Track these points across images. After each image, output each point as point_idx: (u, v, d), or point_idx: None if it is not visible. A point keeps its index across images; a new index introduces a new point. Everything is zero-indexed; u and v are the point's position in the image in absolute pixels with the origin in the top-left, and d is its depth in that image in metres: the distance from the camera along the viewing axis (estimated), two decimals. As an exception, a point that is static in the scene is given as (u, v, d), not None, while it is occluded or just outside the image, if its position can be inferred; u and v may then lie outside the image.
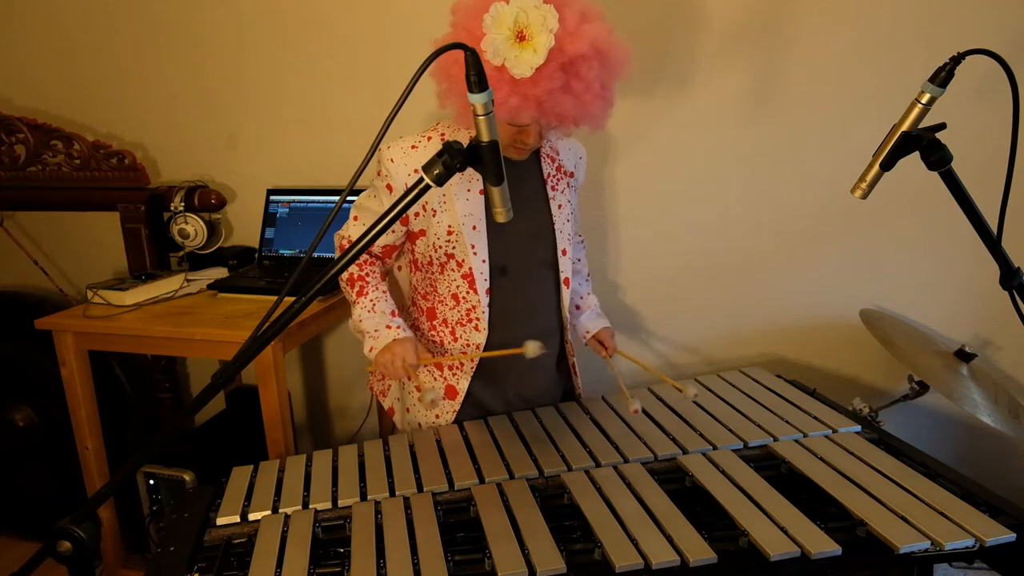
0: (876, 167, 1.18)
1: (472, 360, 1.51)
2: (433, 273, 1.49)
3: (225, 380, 0.96)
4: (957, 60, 1.09)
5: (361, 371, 2.35)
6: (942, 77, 1.10)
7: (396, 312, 1.50)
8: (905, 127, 1.14)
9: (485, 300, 1.45)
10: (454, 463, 1.40)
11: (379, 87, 2.09)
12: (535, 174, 1.50)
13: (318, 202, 2.14)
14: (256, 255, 2.19)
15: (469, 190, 1.42)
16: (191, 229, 2.13)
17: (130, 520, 2.05)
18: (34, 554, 0.94)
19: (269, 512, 1.29)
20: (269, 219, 2.17)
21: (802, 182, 1.92)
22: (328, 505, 1.30)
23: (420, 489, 1.33)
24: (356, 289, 1.49)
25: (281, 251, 2.15)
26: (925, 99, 1.12)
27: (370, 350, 1.45)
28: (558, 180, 1.51)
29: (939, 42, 1.75)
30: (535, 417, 1.58)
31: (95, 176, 2.19)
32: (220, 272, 2.11)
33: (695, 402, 1.64)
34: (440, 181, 0.98)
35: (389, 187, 1.41)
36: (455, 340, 1.51)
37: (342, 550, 1.21)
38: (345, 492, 1.33)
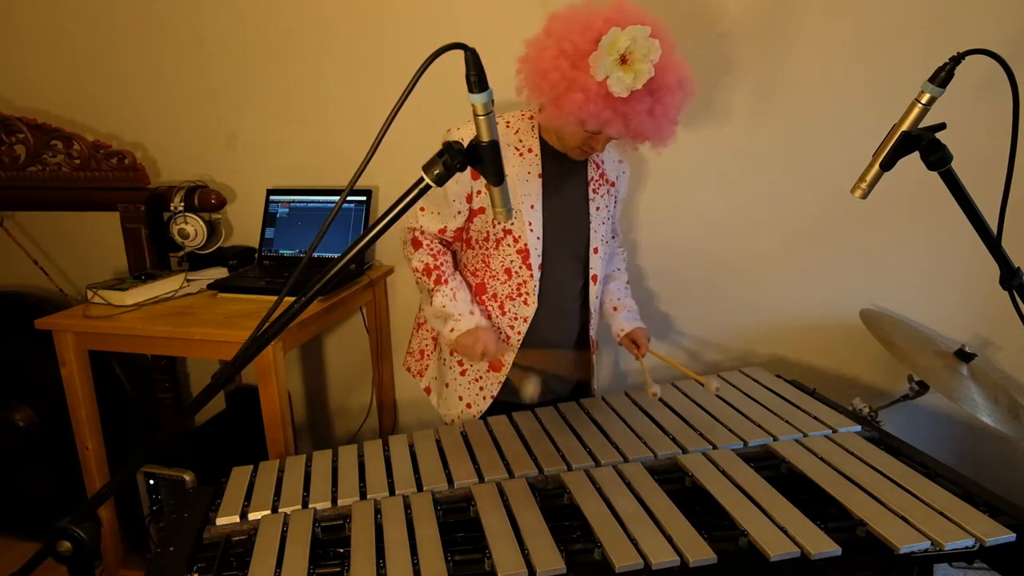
0: (876, 167, 1.18)
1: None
2: (488, 249, 1.58)
3: (225, 380, 0.96)
4: (957, 60, 1.09)
5: (361, 371, 2.35)
6: (942, 77, 1.10)
7: (475, 300, 1.60)
8: (905, 127, 1.14)
9: (537, 275, 1.55)
10: (454, 463, 1.40)
11: (379, 87, 2.09)
12: (581, 175, 1.60)
13: (318, 202, 2.14)
14: (256, 255, 2.19)
15: (529, 172, 1.53)
16: (191, 229, 2.13)
17: (130, 520, 2.04)
18: (34, 554, 0.94)
19: (269, 512, 1.29)
20: (269, 219, 2.17)
21: (802, 182, 1.92)
22: (328, 505, 1.30)
23: (420, 489, 1.33)
24: (434, 278, 1.59)
25: (281, 251, 2.15)
26: (925, 99, 1.12)
27: (451, 330, 1.55)
28: (599, 185, 1.62)
29: (939, 42, 1.74)
30: (535, 417, 1.58)
31: (95, 176, 2.19)
32: (220, 272, 2.11)
33: (695, 402, 1.64)
34: (440, 181, 0.98)
35: None
36: (503, 314, 1.59)
37: (342, 550, 1.21)
38: (345, 492, 1.33)
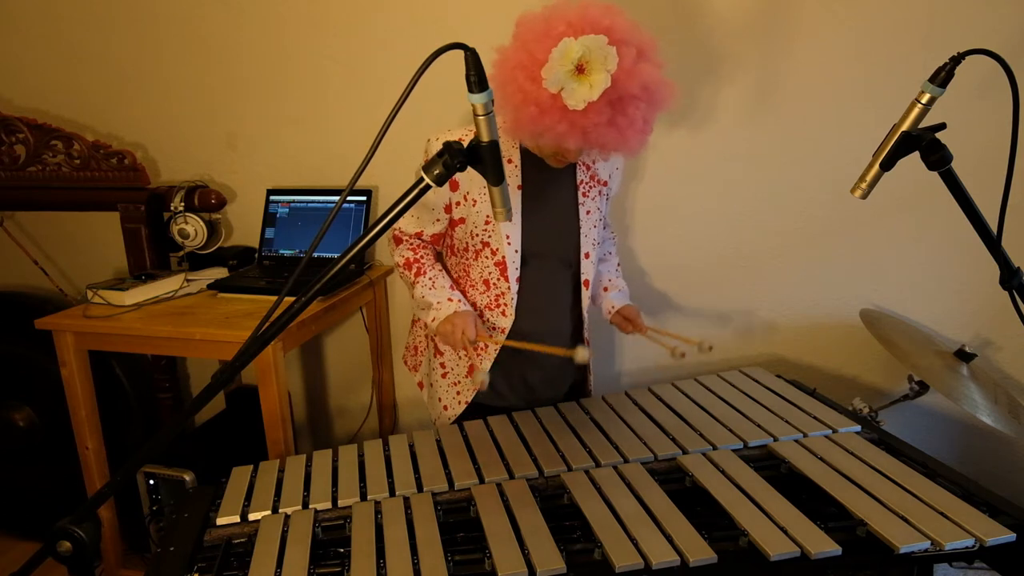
0: (876, 167, 1.18)
1: (497, 346, 1.57)
2: (468, 259, 1.57)
3: (225, 380, 0.96)
4: (957, 60, 1.09)
5: (361, 371, 2.35)
6: (942, 77, 1.10)
7: (455, 287, 1.58)
8: (905, 127, 1.14)
9: (515, 288, 1.53)
10: (454, 463, 1.41)
11: (379, 87, 2.09)
12: (568, 179, 1.56)
13: (318, 202, 2.14)
14: (256, 255, 2.19)
15: (507, 184, 1.46)
16: (191, 229, 2.13)
17: (130, 520, 2.04)
18: (34, 554, 0.94)
19: (269, 512, 1.29)
20: (269, 219, 2.17)
21: (802, 182, 1.92)
22: (328, 505, 1.30)
23: (420, 489, 1.33)
24: (414, 271, 1.58)
25: (281, 251, 2.15)
26: (925, 99, 1.12)
27: (432, 320, 1.52)
28: (590, 187, 1.57)
29: (938, 42, 1.75)
30: (535, 417, 1.58)
31: (95, 176, 2.19)
32: (220, 272, 2.11)
33: (695, 402, 1.64)
34: (440, 181, 0.98)
35: None
36: (482, 323, 1.57)
37: (342, 550, 1.21)
38: (345, 492, 1.33)
